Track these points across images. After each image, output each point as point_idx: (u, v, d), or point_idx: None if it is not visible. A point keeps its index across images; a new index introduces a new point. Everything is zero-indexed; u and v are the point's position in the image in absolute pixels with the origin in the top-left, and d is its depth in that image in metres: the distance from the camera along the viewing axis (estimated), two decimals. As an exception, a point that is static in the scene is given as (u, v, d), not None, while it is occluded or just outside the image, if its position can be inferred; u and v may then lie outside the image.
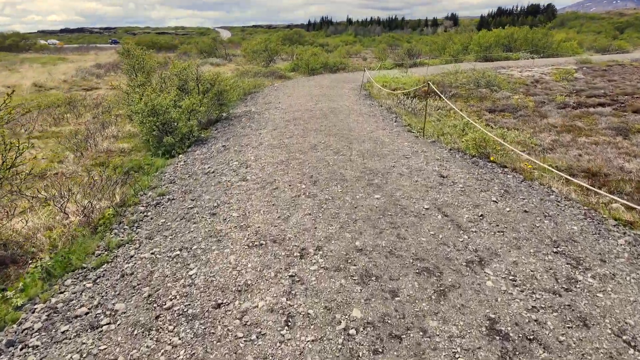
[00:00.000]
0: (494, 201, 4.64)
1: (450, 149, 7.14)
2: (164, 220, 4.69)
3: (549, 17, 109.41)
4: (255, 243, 3.84)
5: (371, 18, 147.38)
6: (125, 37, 77.99)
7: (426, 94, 13.58)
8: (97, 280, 3.52)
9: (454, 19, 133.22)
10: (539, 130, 8.95)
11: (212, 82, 10.64)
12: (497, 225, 4.06)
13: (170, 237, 4.20)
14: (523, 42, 32.55)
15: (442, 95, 8.24)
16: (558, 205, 4.63)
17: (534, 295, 3.02)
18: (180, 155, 7.87)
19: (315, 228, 4.07)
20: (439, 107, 11.86)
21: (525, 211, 4.39)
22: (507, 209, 4.41)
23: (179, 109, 8.65)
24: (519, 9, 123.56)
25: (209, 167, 6.58)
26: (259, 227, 4.17)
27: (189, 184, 5.90)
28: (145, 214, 4.99)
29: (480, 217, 4.22)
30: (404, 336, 2.64)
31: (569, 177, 4.82)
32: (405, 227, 4.02)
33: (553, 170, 5.39)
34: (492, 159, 6.46)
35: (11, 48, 43.78)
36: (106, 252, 4.07)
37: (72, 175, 7.35)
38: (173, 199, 5.38)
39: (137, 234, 4.44)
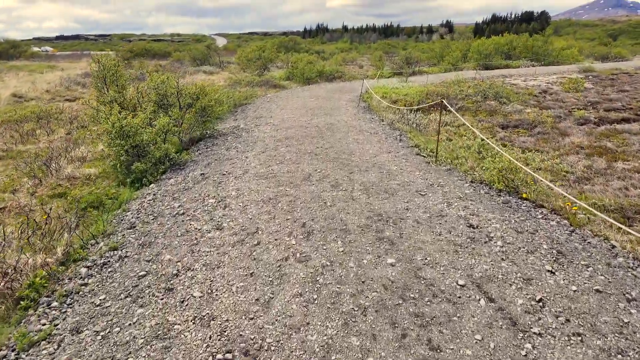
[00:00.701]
0: (549, 271, 3.39)
1: (472, 181, 5.91)
2: (104, 296, 3.42)
3: (542, 24, 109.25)
4: (217, 357, 2.58)
5: (366, 25, 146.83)
6: (120, 43, 76.85)
7: (432, 107, 12.43)
8: None
9: (449, 26, 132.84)
10: (565, 152, 7.76)
11: (196, 96, 9.39)
12: (569, 321, 2.80)
13: (102, 334, 2.92)
14: (522, 49, 31.59)
15: (456, 113, 7.04)
16: (634, 276, 3.40)
17: None
18: (152, 185, 6.61)
19: (308, 324, 2.81)
20: (446, 122, 10.67)
21: (598, 291, 3.15)
22: (573, 288, 3.16)
23: (152, 129, 7.40)
24: (513, 16, 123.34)
25: (179, 206, 5.31)
26: (226, 321, 2.90)
27: (150, 232, 4.63)
28: (85, 281, 3.72)
29: (540, 305, 2.96)
30: None
31: (627, 230, 3.63)
32: (439, 326, 2.76)
33: (605, 218, 4.19)
34: (524, 196, 5.25)
35: (1, 55, 42.39)
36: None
37: (22, 210, 6.10)
38: (126, 257, 4.11)
39: (62, 320, 3.17)
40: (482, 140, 8.26)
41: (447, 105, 6.60)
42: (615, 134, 8.74)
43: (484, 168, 6.36)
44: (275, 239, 4.06)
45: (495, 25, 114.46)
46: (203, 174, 6.63)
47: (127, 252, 4.22)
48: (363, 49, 70.60)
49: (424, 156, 7.30)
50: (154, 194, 6.02)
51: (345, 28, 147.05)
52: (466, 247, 3.79)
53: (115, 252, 4.26)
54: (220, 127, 10.67)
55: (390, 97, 14.28)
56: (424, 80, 21.84)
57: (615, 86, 16.96)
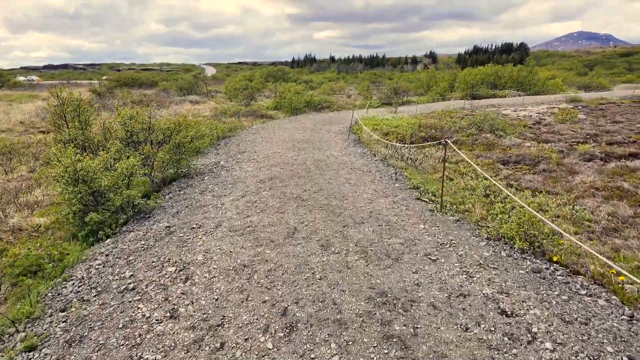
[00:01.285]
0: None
1: (488, 238, 4.93)
2: None
3: (522, 55, 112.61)
4: None
5: (353, 56, 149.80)
6: (109, 72, 76.38)
7: (427, 142, 11.63)
8: None
9: (432, 57, 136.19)
10: (580, 195, 6.91)
11: (170, 131, 8.40)
12: None
13: None
14: (508, 79, 31.68)
15: (459, 151, 6.15)
16: None
17: None
18: (108, 241, 5.50)
19: None
20: (436, 155, 9.84)
21: None
22: None
23: (114, 173, 6.33)
24: (493, 47, 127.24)
25: (131, 276, 4.20)
26: None
27: (86, 319, 3.50)
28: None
29: None
30: None
31: None
32: None
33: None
34: (555, 259, 4.29)
35: (-17, 85, 41.23)
36: None
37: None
38: (41, 365, 2.99)
39: None
40: (488, 180, 7.39)
41: (457, 149, 5.69)
42: (628, 172, 7.96)
43: (496, 218, 5.43)
44: (245, 339, 2.97)
45: (477, 55, 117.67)
46: (169, 226, 5.54)
47: (45, 354, 3.09)
48: (350, 78, 71.30)
49: (426, 201, 6.35)
50: (107, 255, 4.90)
51: (332, 58, 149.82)
52: (506, 353, 2.75)
53: (32, 353, 3.12)
54: (200, 163, 9.66)
55: (381, 129, 13.52)
56: (413, 110, 21.30)
57: (607, 117, 16.53)
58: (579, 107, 20.45)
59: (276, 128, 15.16)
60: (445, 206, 6.00)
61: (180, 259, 4.43)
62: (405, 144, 11.27)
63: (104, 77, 59.34)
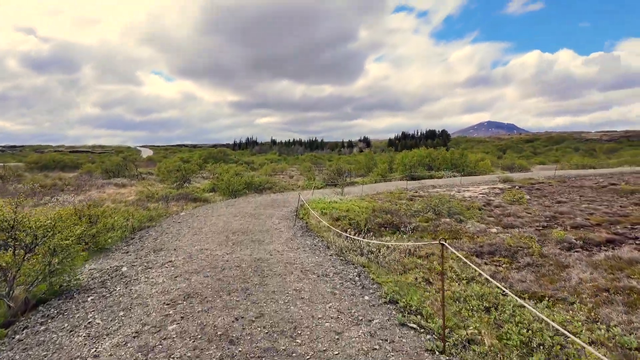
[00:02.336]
0: None
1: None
2: None
3: (444, 140, 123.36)
4: None
5: (293, 139, 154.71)
6: (30, 154, 69.73)
7: (384, 229, 9.97)
8: None
9: (366, 141, 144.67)
10: (594, 304, 5.34)
11: (44, 231, 5.83)
12: None
13: None
14: (442, 161, 32.70)
15: (466, 260, 4.41)
16: None
17: None
18: None
19: None
20: (411, 250, 8.09)
21: None
22: None
23: None
24: (419, 133, 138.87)
25: None
26: None
27: None
28: None
29: None
30: None
31: None
32: None
33: None
34: None
35: None
36: None
37: None
38: None
39: None
40: (483, 284, 5.63)
41: (455, 252, 3.88)
42: (626, 265, 6.74)
43: (514, 350, 3.55)
44: None
45: (405, 140, 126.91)
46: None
47: None
48: (291, 160, 71.72)
49: (415, 329, 4.33)
50: None
51: (273, 141, 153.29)
52: None
53: None
54: (95, 269, 6.95)
55: (331, 213, 11.77)
56: (358, 191, 20.17)
57: (548, 197, 16.44)
58: (517, 187, 20.67)
59: (210, 214, 12.81)
60: (447, 338, 4.01)
61: None
62: (360, 231, 9.51)
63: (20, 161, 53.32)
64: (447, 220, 10.53)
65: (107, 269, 6.97)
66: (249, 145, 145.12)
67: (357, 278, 6.17)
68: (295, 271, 6.31)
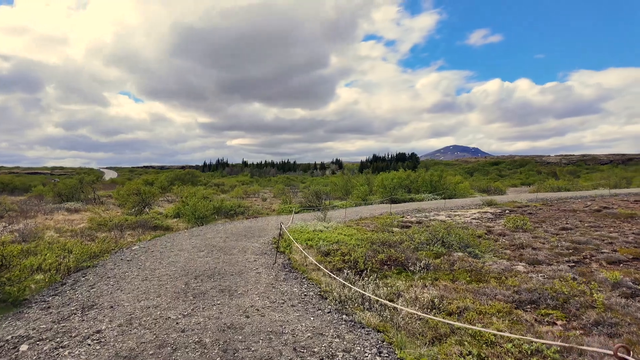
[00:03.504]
0: None
1: None
2: None
3: (414, 162, 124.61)
4: None
5: (265, 161, 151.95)
6: (-22, 175, 63.98)
7: (387, 267, 7.97)
8: None
9: (339, 163, 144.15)
10: None
11: None
12: None
13: None
14: (422, 183, 31.48)
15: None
16: None
17: None
18: None
19: None
20: (416, 296, 6.13)
21: None
22: None
23: None
24: (389, 156, 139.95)
25: None
26: None
27: None
28: None
29: None
30: None
31: None
32: None
33: None
34: None
35: None
36: None
37: None
38: None
39: None
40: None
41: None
42: None
43: None
44: None
45: (377, 163, 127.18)
46: None
47: None
48: (264, 182, 69.21)
49: None
50: None
51: (245, 163, 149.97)
52: None
53: None
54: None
55: (318, 245, 9.71)
56: (340, 215, 18.21)
57: (546, 222, 15.09)
58: (507, 210, 19.39)
59: (169, 248, 10.40)
60: None
61: None
62: (358, 270, 7.49)
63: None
64: (460, 254, 8.68)
65: (5, 339, 4.56)
66: (220, 166, 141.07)
67: (380, 355, 4.11)
68: (286, 351, 4.16)
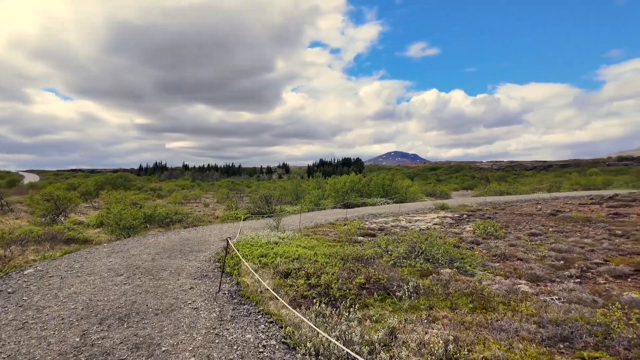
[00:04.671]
0: None
1: None
2: None
3: (359, 167, 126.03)
4: None
5: (209, 165, 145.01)
6: None
7: (367, 292, 6.18)
8: None
9: (285, 168, 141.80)
10: None
11: None
12: None
13: None
14: (374, 188, 30.55)
15: None
16: None
17: None
18: None
19: None
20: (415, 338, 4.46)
21: None
22: None
23: None
24: (336, 160, 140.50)
25: None
26: None
27: None
28: None
29: None
30: None
31: None
32: None
33: None
34: None
35: None
36: None
37: None
38: None
39: None
40: None
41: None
42: None
43: None
44: None
45: (323, 167, 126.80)
46: None
47: None
48: (206, 186, 65.03)
49: None
50: None
51: (186, 166, 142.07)
52: None
53: None
54: None
55: (273, 262, 7.73)
56: (293, 222, 16.30)
57: (510, 227, 14.37)
58: (464, 215, 18.71)
59: (76, 271, 7.80)
60: None
61: None
62: (331, 298, 5.66)
63: None
64: (448, 270, 7.17)
65: None
66: (158, 170, 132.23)
67: None
68: None
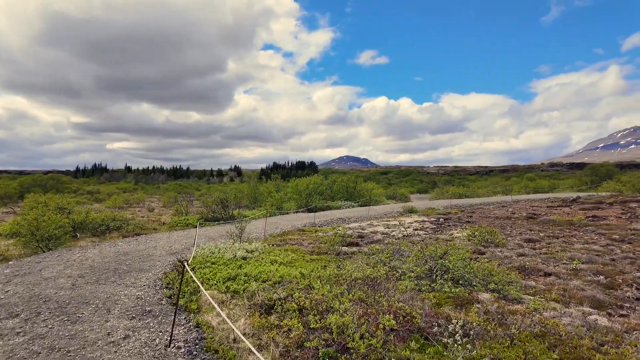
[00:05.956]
0: None
1: None
2: None
3: (314, 170, 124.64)
4: None
5: (154, 167, 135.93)
6: None
7: (390, 332, 4.22)
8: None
9: (237, 170, 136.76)
10: None
11: None
12: None
13: None
14: (337, 190, 28.88)
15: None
16: None
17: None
18: None
19: None
20: None
21: None
22: None
23: None
24: (290, 164, 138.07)
25: None
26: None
27: None
28: None
29: None
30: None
31: None
32: None
33: None
34: None
35: None
36: None
37: None
38: None
39: None
40: None
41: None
42: None
43: None
44: None
45: (277, 170, 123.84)
46: None
47: None
48: (151, 189, 59.91)
49: None
50: None
51: (128, 168, 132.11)
52: None
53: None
54: None
55: (246, 288, 5.55)
56: (256, 229, 14.02)
57: (495, 229, 13.19)
58: (441, 219, 17.46)
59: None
60: None
61: None
62: (340, 346, 3.63)
63: None
64: (487, 296, 5.40)
65: None
66: (97, 172, 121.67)
67: None
68: None
